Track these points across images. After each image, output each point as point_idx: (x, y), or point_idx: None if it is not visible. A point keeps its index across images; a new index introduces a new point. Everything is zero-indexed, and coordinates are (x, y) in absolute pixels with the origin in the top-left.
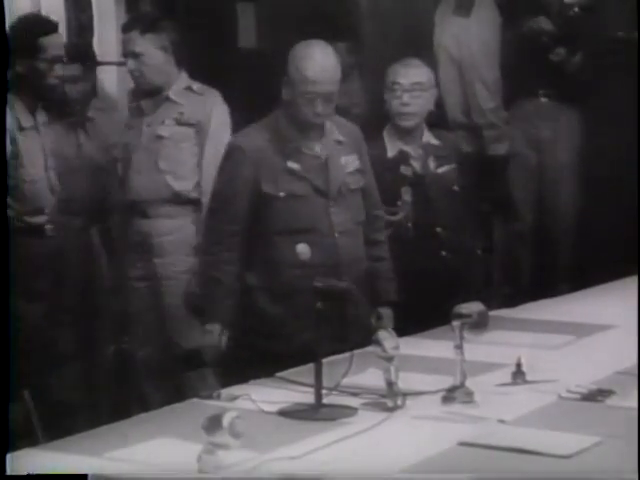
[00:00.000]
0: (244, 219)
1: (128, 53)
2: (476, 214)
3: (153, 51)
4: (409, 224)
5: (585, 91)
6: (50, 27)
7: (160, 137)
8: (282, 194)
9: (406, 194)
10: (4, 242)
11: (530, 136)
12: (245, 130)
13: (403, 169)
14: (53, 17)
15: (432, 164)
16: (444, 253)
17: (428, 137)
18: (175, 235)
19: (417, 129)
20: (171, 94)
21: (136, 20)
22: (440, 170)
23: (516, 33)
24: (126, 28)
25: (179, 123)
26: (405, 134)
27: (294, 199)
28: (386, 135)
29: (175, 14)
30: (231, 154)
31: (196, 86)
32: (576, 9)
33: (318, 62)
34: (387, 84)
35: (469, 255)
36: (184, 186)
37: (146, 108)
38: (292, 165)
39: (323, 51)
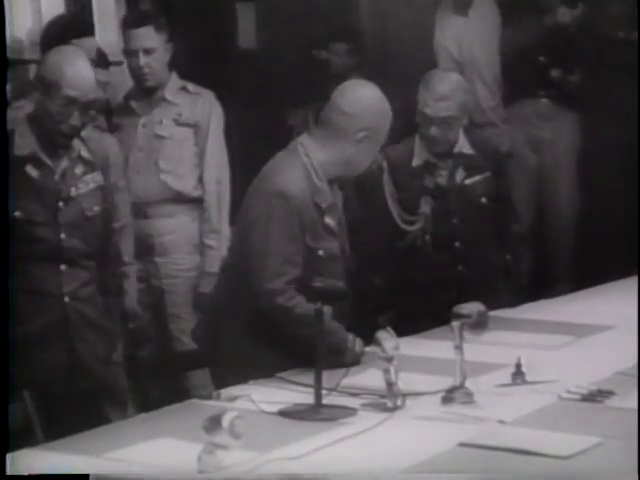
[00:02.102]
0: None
1: (139, 48)
2: (507, 225)
3: (164, 48)
4: (426, 236)
5: (585, 93)
6: (86, 30)
7: (160, 137)
8: (321, 252)
9: (425, 205)
10: (4, 239)
11: (530, 136)
12: (280, 167)
13: (426, 180)
14: (89, 18)
15: (460, 175)
16: (460, 267)
17: (462, 146)
18: (177, 234)
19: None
20: (167, 94)
21: (149, 16)
22: (468, 181)
23: (514, 45)
24: (138, 23)
25: (178, 123)
26: (430, 148)
27: (329, 259)
28: (416, 140)
29: (174, 14)
30: (279, 201)
31: (191, 86)
32: (572, 29)
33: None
34: (418, 102)
35: (490, 269)
36: (184, 185)
37: (138, 108)
38: (329, 221)
39: (372, 91)
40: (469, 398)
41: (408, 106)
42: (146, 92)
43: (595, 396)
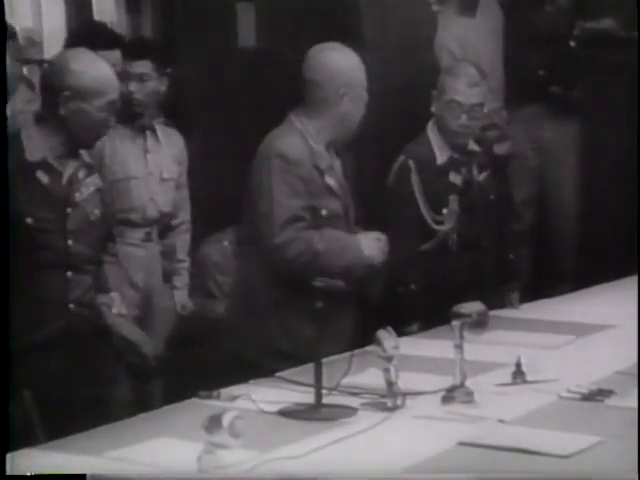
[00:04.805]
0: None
1: (132, 75)
2: (509, 223)
3: (158, 80)
4: (454, 235)
5: (585, 93)
6: (113, 42)
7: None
8: (324, 212)
9: (454, 203)
10: (4, 242)
11: (530, 136)
12: (278, 134)
13: (452, 177)
14: (117, 30)
15: (475, 172)
16: (487, 268)
17: (471, 143)
18: None
19: None
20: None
21: (150, 49)
22: (481, 178)
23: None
24: (137, 55)
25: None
26: (453, 141)
27: (333, 219)
28: (432, 137)
29: (174, 14)
30: (279, 162)
31: (159, 128)
32: (572, 43)
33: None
34: (440, 97)
35: (506, 268)
36: None
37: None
38: (330, 181)
39: (335, 51)
40: (469, 397)
41: (409, 105)
42: (129, 118)
43: (595, 395)
